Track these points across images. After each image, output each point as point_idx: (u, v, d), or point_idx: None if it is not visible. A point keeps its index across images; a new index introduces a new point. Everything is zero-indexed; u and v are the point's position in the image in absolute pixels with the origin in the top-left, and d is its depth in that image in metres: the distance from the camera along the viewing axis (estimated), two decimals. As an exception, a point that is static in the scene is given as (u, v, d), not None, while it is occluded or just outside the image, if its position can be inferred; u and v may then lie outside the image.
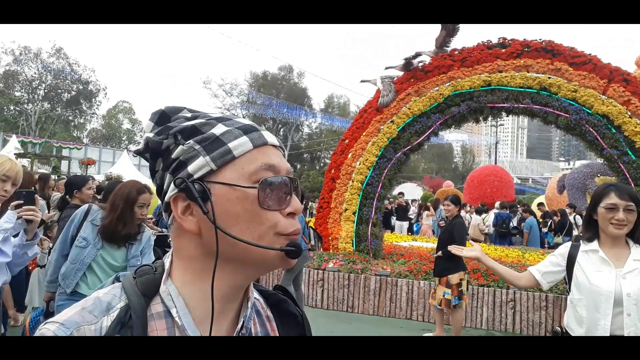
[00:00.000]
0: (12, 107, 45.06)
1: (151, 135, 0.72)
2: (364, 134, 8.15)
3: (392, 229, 14.66)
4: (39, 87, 46.19)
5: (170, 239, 0.76)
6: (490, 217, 13.17)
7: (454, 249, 2.82)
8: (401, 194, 16.35)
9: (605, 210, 2.18)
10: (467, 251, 2.65)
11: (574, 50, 7.54)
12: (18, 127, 41.37)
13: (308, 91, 56.36)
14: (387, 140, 7.90)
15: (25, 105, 45.39)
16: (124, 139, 53.88)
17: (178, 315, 0.69)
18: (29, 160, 22.77)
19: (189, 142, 0.69)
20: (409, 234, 15.07)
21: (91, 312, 0.67)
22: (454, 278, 5.25)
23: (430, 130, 7.81)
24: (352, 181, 8.01)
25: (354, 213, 7.97)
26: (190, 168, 0.68)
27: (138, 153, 0.74)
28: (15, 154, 22.09)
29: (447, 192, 23.39)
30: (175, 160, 0.70)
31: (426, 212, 15.19)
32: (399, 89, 8.11)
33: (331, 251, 7.95)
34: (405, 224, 15.47)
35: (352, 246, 7.86)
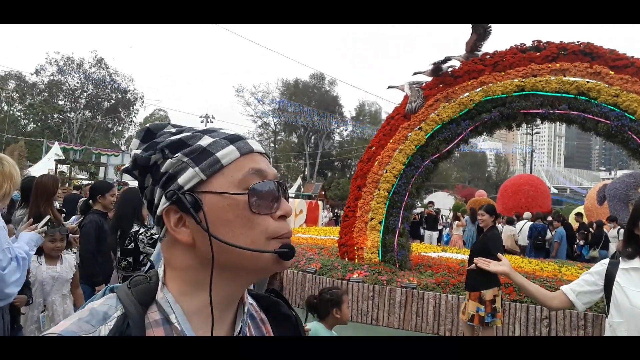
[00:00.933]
0: (55, 116, 47.07)
1: (138, 151, 0.74)
2: (391, 141, 7.94)
3: (421, 238, 14.30)
4: (81, 96, 48.10)
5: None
6: (522, 227, 12.65)
7: (480, 262, 2.58)
8: (431, 203, 15.95)
9: None
10: (494, 265, 2.41)
11: (615, 52, 7.12)
12: (61, 135, 43.13)
13: (339, 99, 56.42)
14: (415, 147, 7.66)
15: (68, 114, 47.33)
16: (158, 146, 55.25)
17: (177, 321, 0.70)
18: (68, 166, 23.61)
19: (177, 155, 0.71)
20: (439, 244, 14.66)
21: (88, 322, 0.67)
22: (488, 294, 4.88)
23: (459, 138, 7.52)
24: (379, 189, 7.80)
25: (380, 222, 7.75)
26: (181, 180, 0.70)
27: (126, 171, 0.75)
28: (55, 160, 22.97)
29: (479, 201, 22.72)
30: (164, 174, 0.72)
31: (456, 222, 14.76)
32: (427, 94, 7.87)
33: (356, 261, 7.75)
34: (435, 234, 15.07)
35: (378, 256, 7.64)
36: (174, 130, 0.77)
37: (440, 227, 16.49)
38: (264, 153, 0.78)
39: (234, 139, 0.74)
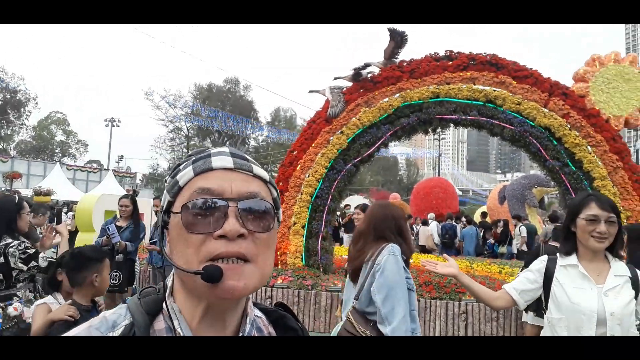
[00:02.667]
0: None
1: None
2: (312, 145, 7.91)
3: (340, 241, 14.50)
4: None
5: None
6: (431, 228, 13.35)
7: (428, 264, 2.45)
8: (347, 206, 16.16)
9: (585, 222, 2.02)
10: (442, 267, 2.36)
11: (517, 64, 7.73)
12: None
13: (254, 104, 55.86)
14: (337, 151, 7.70)
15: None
16: (57, 151, 50.70)
17: (180, 327, 0.73)
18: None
19: (167, 180, 0.79)
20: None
21: (98, 329, 0.72)
22: None
23: (380, 142, 7.69)
24: (301, 194, 7.72)
25: (303, 227, 7.67)
26: (162, 201, 0.79)
27: None
28: None
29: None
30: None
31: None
32: (348, 99, 7.97)
33: (280, 267, 7.59)
34: (354, 237, 15.36)
35: (302, 261, 7.55)
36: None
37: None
38: (232, 168, 0.75)
39: (199, 159, 0.76)
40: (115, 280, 5.14)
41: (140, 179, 55.82)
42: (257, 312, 0.85)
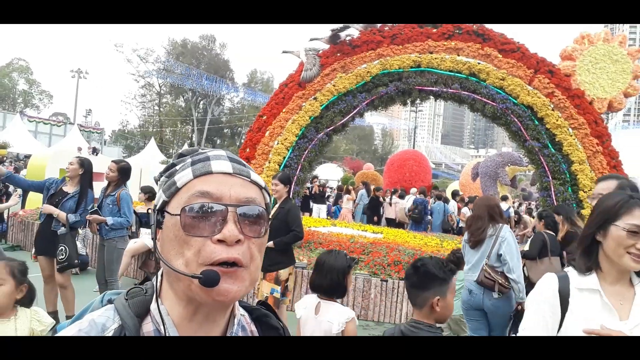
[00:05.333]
0: None
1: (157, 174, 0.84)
2: (283, 110, 7.38)
3: (310, 212, 14.15)
4: None
5: None
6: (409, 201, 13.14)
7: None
8: (315, 178, 15.58)
9: (626, 233, 1.47)
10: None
11: (504, 37, 7.30)
12: None
13: (230, 64, 54.06)
14: (309, 118, 7.20)
15: None
16: (19, 100, 48.12)
17: (166, 332, 0.74)
18: None
19: (162, 177, 0.80)
20: (328, 217, 14.67)
21: (87, 334, 0.72)
22: (284, 273, 4.62)
23: (355, 111, 7.23)
24: (269, 162, 7.24)
25: (270, 197, 7.24)
26: (156, 200, 0.80)
27: None
28: None
29: (367, 174, 23.42)
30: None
31: (347, 195, 14.87)
32: (324, 63, 7.41)
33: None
34: (324, 207, 15.02)
35: (267, 234, 7.15)
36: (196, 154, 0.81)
37: (328, 203, 16.53)
38: (231, 173, 0.77)
39: (197, 161, 0.77)
40: (62, 256, 4.54)
41: (109, 135, 53.93)
42: (241, 310, 0.86)
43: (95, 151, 25.61)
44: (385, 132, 76.67)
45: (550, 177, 6.92)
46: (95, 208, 4.79)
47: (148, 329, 0.75)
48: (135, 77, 49.79)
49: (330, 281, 2.57)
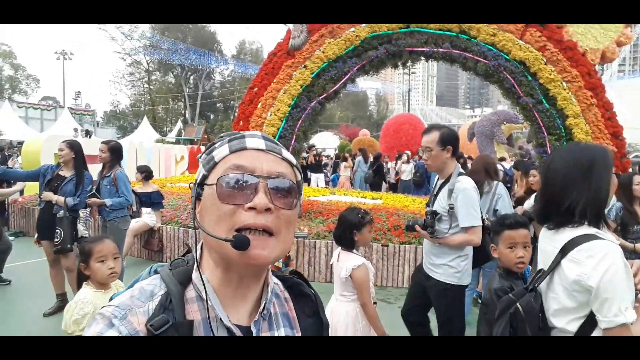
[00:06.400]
0: None
1: None
2: (274, 80, 7.29)
3: (308, 182, 14.19)
4: None
5: None
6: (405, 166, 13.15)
7: None
8: (312, 147, 15.54)
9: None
10: None
11: (494, -10, 7.14)
12: None
13: (217, 35, 52.93)
14: (301, 87, 7.12)
15: None
16: (6, 87, 47.31)
17: (207, 297, 0.80)
18: None
19: (202, 155, 0.88)
20: (327, 186, 14.72)
21: (139, 299, 0.79)
22: None
23: (346, 77, 7.13)
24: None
25: (266, 169, 7.23)
26: (197, 174, 0.87)
27: None
28: None
29: (363, 141, 23.35)
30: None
31: (344, 163, 14.87)
32: (311, 29, 7.27)
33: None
34: (322, 176, 15.04)
35: (266, 205, 7.19)
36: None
37: (325, 170, 16.53)
38: (264, 149, 0.83)
39: (233, 139, 0.85)
40: (58, 239, 4.58)
41: (101, 117, 53.31)
42: (275, 280, 0.94)
43: (88, 133, 25.40)
44: (380, 96, 75.89)
45: (545, 133, 6.91)
46: (93, 192, 4.80)
47: (191, 295, 0.82)
48: (121, 55, 48.87)
49: (340, 233, 2.93)
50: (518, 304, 1.69)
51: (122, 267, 5.04)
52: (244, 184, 0.79)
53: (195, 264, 0.84)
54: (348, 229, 2.90)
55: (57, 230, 4.59)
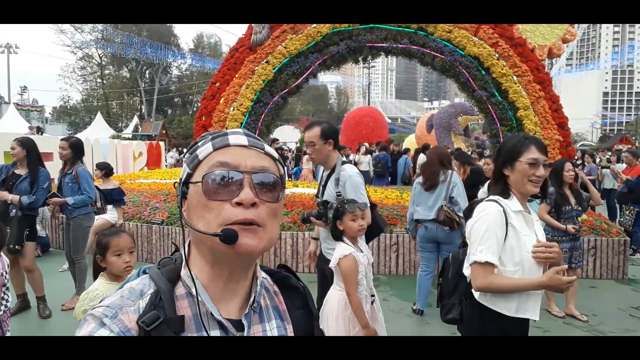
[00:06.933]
0: None
1: None
2: (236, 75, 7.31)
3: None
4: None
5: None
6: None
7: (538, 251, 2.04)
8: (275, 140, 15.59)
9: (527, 165, 1.89)
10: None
11: (449, -12, 7.42)
12: None
13: (174, 29, 51.65)
14: (263, 82, 7.17)
15: None
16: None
17: (197, 292, 0.81)
18: None
19: (186, 154, 0.90)
20: (290, 179, 14.79)
21: (129, 298, 0.80)
22: None
23: (308, 72, 7.25)
24: (226, 129, 7.23)
25: (230, 164, 7.26)
26: (181, 173, 0.88)
27: None
28: None
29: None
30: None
31: (305, 156, 14.98)
32: (273, 25, 7.32)
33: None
34: (285, 169, 15.08)
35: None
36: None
37: (287, 165, 16.59)
38: (247, 145, 0.85)
39: (217, 136, 0.86)
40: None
41: (50, 113, 50.97)
42: (263, 274, 0.94)
43: (39, 130, 24.31)
44: (340, 90, 76.42)
45: (498, 124, 7.28)
46: (54, 192, 4.68)
47: (180, 291, 0.83)
48: (71, 48, 46.87)
49: (332, 225, 3.03)
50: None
51: (84, 265, 4.97)
52: (230, 180, 0.80)
53: (184, 261, 0.85)
54: (333, 218, 3.02)
55: (7, 230, 4.46)
